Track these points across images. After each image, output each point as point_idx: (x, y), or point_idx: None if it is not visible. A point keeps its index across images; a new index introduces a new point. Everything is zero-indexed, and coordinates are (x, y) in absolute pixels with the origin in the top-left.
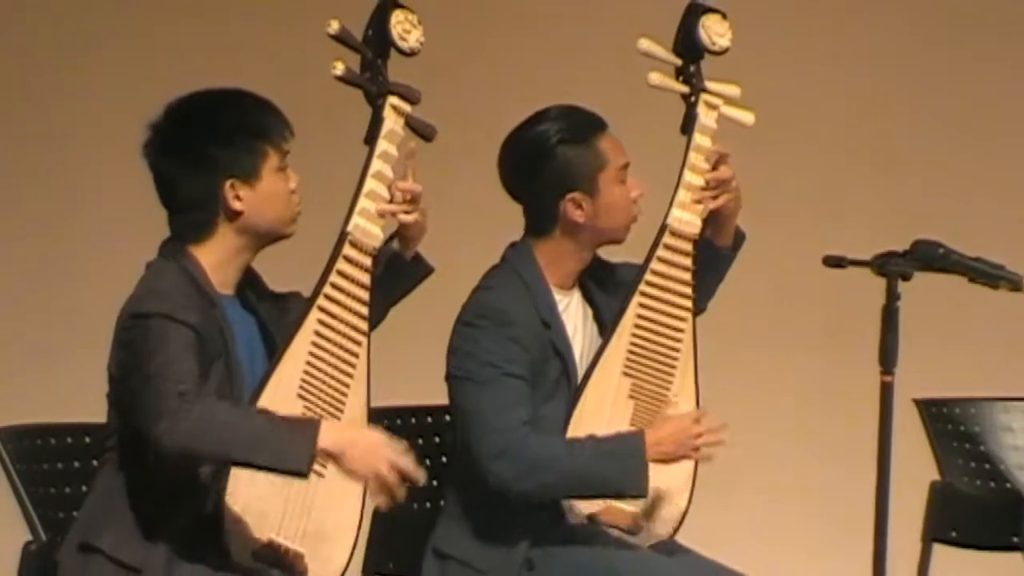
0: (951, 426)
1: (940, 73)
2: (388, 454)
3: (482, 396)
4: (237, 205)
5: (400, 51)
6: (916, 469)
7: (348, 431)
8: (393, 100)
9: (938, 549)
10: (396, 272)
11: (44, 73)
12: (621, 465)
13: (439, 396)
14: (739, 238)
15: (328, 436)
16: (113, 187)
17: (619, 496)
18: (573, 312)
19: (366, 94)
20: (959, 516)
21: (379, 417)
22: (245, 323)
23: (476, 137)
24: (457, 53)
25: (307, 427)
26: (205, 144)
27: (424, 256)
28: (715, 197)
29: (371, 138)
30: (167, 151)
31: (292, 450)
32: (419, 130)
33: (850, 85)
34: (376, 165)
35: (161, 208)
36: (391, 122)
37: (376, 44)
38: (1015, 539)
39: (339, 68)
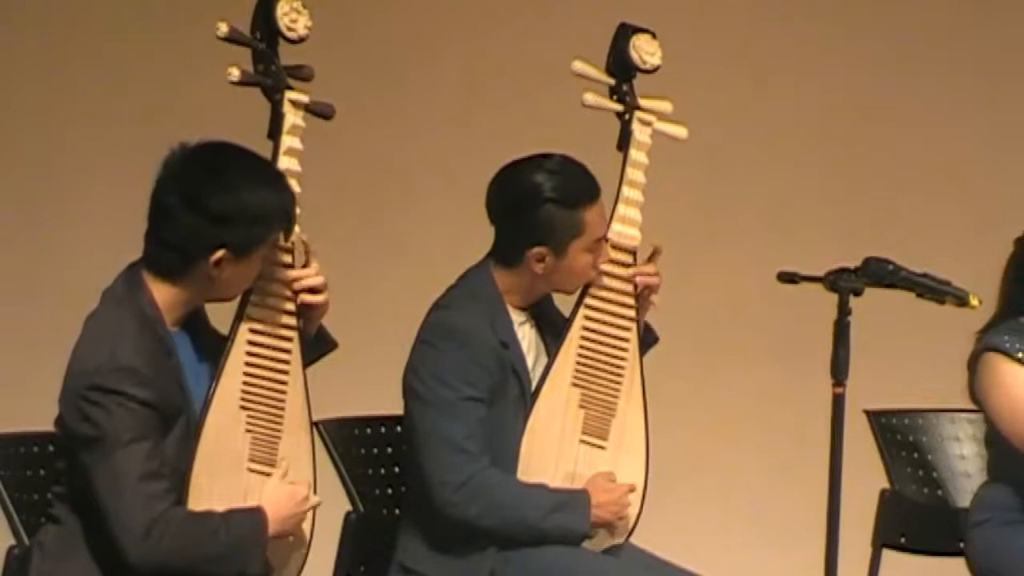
0: (900, 436)
1: (888, 94)
2: (303, 508)
3: (441, 420)
4: (215, 273)
5: (289, 40)
6: (866, 477)
7: (278, 511)
8: (291, 95)
9: (887, 554)
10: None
11: (29, 84)
12: (568, 520)
13: (398, 406)
14: (649, 336)
15: (270, 527)
16: (92, 199)
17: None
18: (527, 331)
19: (264, 91)
20: (907, 523)
21: (338, 428)
22: (193, 360)
23: (426, 150)
24: (400, 68)
25: (257, 530)
26: (220, 208)
27: (327, 332)
28: (638, 294)
29: (274, 133)
30: (189, 191)
31: (250, 556)
32: (319, 112)
33: (803, 107)
34: (284, 162)
35: (132, 222)
36: (292, 116)
37: (265, 37)
38: (960, 544)
39: (234, 74)
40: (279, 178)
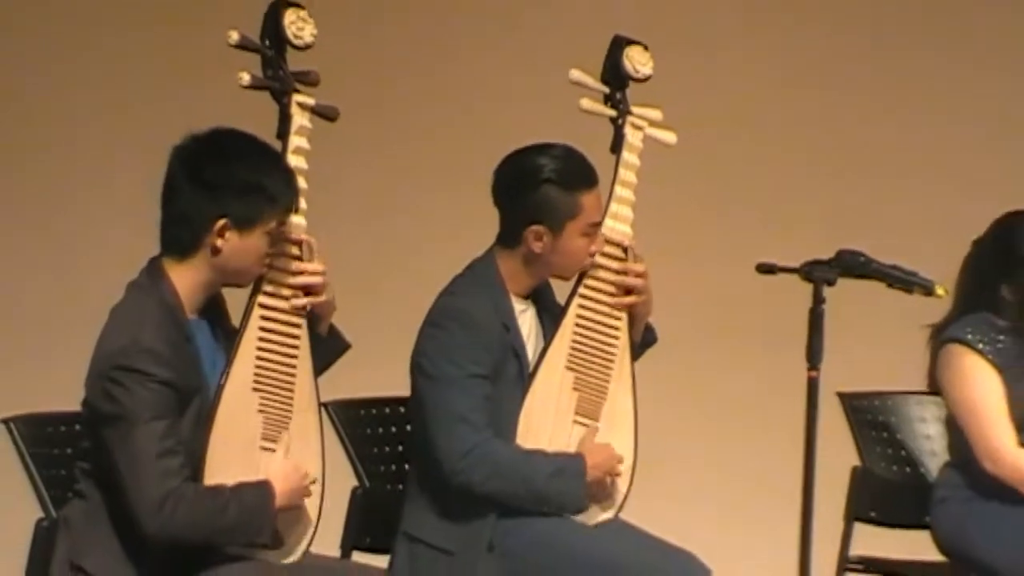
0: (870, 417)
1: (863, 96)
2: (306, 482)
3: (448, 395)
4: (219, 243)
5: (296, 47)
6: (839, 455)
7: (284, 484)
8: (298, 97)
9: (858, 527)
10: (313, 349)
11: (36, 76)
12: (567, 484)
13: (401, 388)
14: (649, 336)
15: (277, 500)
16: (108, 184)
17: (555, 513)
18: (528, 319)
19: (272, 94)
20: (877, 498)
21: (345, 409)
22: (210, 345)
23: (430, 153)
24: (414, 72)
25: (265, 503)
26: (224, 181)
27: (340, 333)
28: (627, 293)
29: (283, 134)
30: (190, 164)
31: (260, 527)
32: (324, 114)
33: (780, 109)
34: (292, 161)
35: (152, 210)
36: (299, 118)
37: (273, 44)
38: (926, 518)
39: (245, 78)
40: (276, 156)
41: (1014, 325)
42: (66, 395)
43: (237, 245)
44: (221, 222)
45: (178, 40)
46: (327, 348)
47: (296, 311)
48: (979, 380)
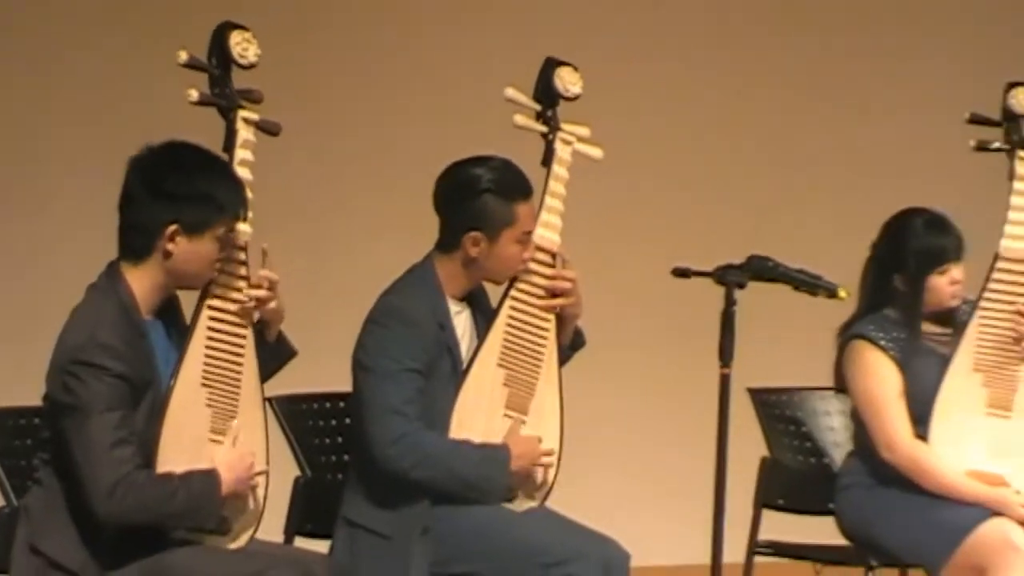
0: (778, 411)
1: (760, 113)
2: (252, 471)
3: (384, 387)
4: (170, 247)
5: (241, 66)
6: (749, 447)
7: (230, 472)
8: (243, 113)
9: (767, 513)
10: (261, 354)
11: (13, 85)
12: (491, 473)
13: (342, 384)
14: (578, 340)
15: (224, 487)
16: (77, 199)
17: (482, 501)
18: (463, 319)
19: (219, 110)
20: (784, 486)
21: (288, 403)
22: (164, 344)
23: (376, 164)
24: (346, 92)
25: (212, 490)
26: (174, 187)
27: (288, 340)
28: (554, 296)
29: (229, 147)
30: (143, 172)
31: (207, 512)
32: (268, 129)
33: (691, 123)
34: (239, 171)
35: (113, 215)
36: (244, 132)
37: (220, 63)
38: (830, 505)
39: (193, 95)
40: (228, 169)
41: (907, 315)
42: (28, 390)
43: (187, 249)
44: (172, 227)
45: (133, 56)
46: (275, 353)
47: (243, 313)
48: (880, 374)
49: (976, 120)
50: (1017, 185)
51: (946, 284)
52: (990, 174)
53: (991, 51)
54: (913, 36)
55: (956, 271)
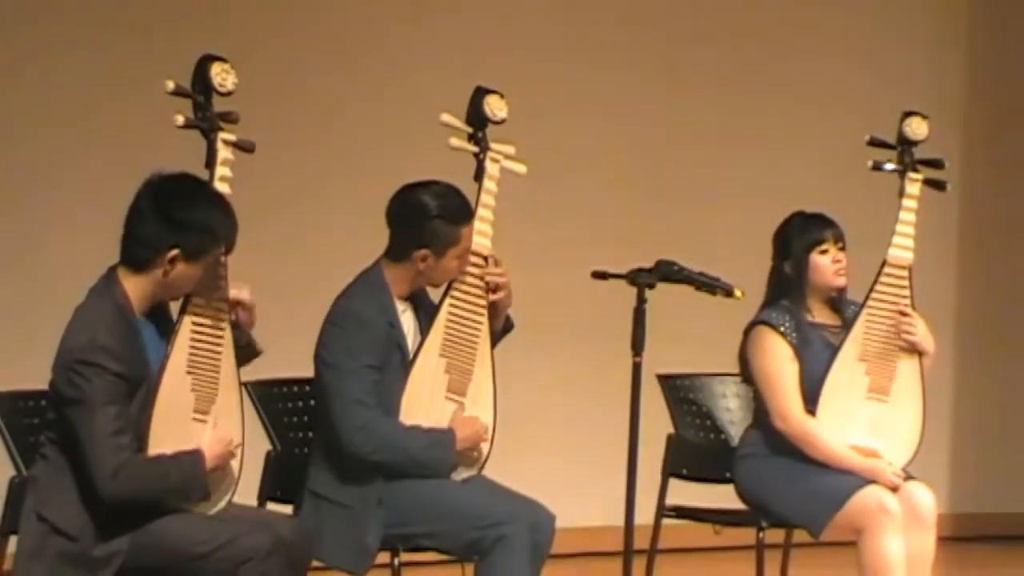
0: (682, 394)
1: (671, 126)
2: (230, 448)
3: (346, 382)
4: (168, 268)
5: (220, 94)
6: (657, 425)
7: (212, 450)
8: (222, 135)
9: (673, 482)
10: (236, 353)
11: (13, 93)
12: (439, 454)
13: (306, 370)
14: (509, 324)
15: (207, 462)
16: (81, 203)
17: (430, 477)
18: (408, 317)
19: (202, 132)
20: (688, 458)
21: (261, 387)
22: (155, 340)
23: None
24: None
25: (198, 467)
26: (184, 220)
27: (255, 341)
28: (494, 291)
29: (210, 164)
30: (157, 196)
31: (195, 487)
32: (243, 147)
33: (606, 138)
34: (219, 186)
35: (117, 221)
36: (223, 151)
37: (202, 91)
38: (727, 474)
39: (179, 119)
40: (229, 208)
41: (795, 294)
42: (35, 375)
43: (183, 271)
44: (174, 252)
45: (130, 71)
46: (243, 353)
47: (221, 314)
48: (777, 355)
49: (874, 143)
50: (905, 202)
51: (829, 263)
52: (882, 191)
53: (888, 79)
54: (817, 55)
55: (836, 252)
